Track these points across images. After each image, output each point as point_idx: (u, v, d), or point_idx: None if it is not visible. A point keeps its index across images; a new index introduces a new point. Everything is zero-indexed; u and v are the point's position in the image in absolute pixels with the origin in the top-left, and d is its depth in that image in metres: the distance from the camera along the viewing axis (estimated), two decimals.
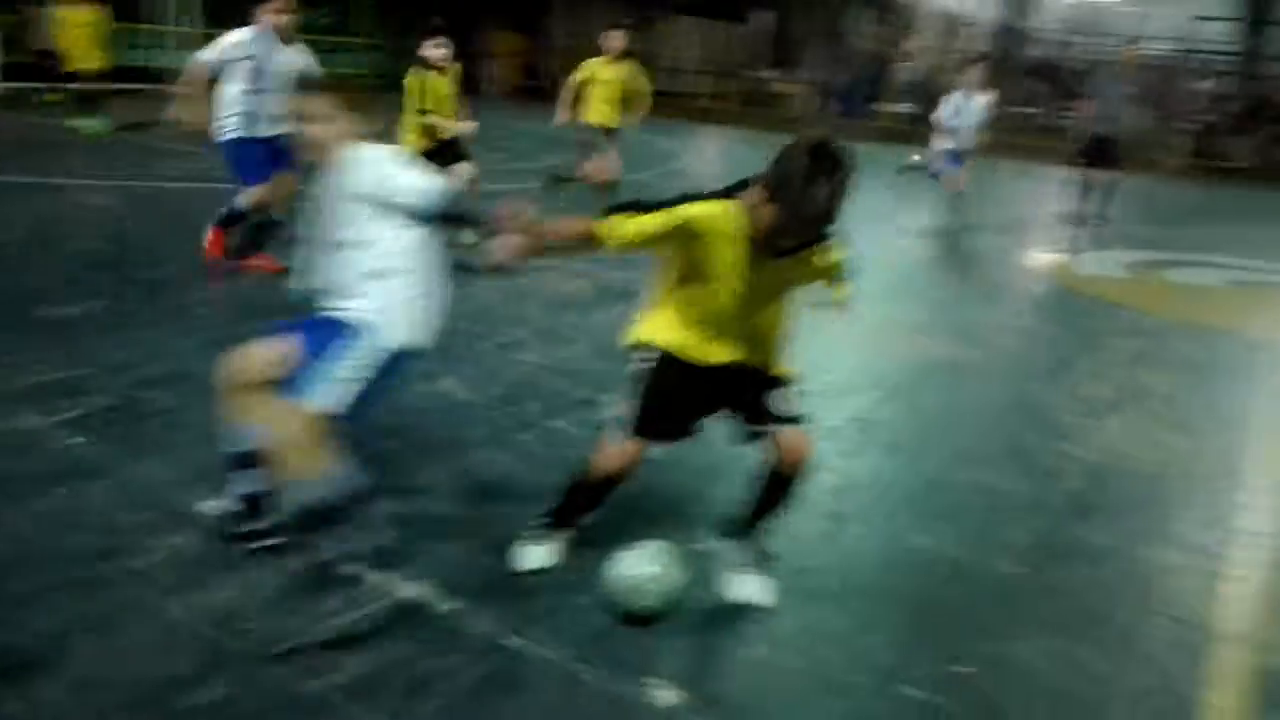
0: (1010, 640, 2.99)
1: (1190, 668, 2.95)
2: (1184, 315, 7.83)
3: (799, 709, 2.60)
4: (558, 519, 3.08)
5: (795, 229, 2.55)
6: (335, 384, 2.81)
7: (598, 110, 8.38)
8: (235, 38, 5.70)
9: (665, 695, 2.57)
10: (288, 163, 5.71)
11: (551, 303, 6.27)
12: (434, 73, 6.96)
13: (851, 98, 24.38)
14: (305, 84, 3.25)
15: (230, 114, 5.73)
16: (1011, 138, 23.91)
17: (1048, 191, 13.38)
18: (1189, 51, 23.37)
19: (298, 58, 5.77)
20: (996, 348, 6.26)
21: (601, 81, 8.32)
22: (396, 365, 2.96)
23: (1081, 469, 4.40)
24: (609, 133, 8.49)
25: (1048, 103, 24.73)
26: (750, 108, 24.92)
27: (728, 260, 2.67)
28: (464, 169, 7.09)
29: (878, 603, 3.14)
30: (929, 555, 3.48)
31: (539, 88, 22.87)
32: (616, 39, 8.32)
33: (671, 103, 31.05)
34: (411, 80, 6.97)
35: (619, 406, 2.88)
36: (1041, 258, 9.54)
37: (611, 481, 2.89)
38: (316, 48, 6.13)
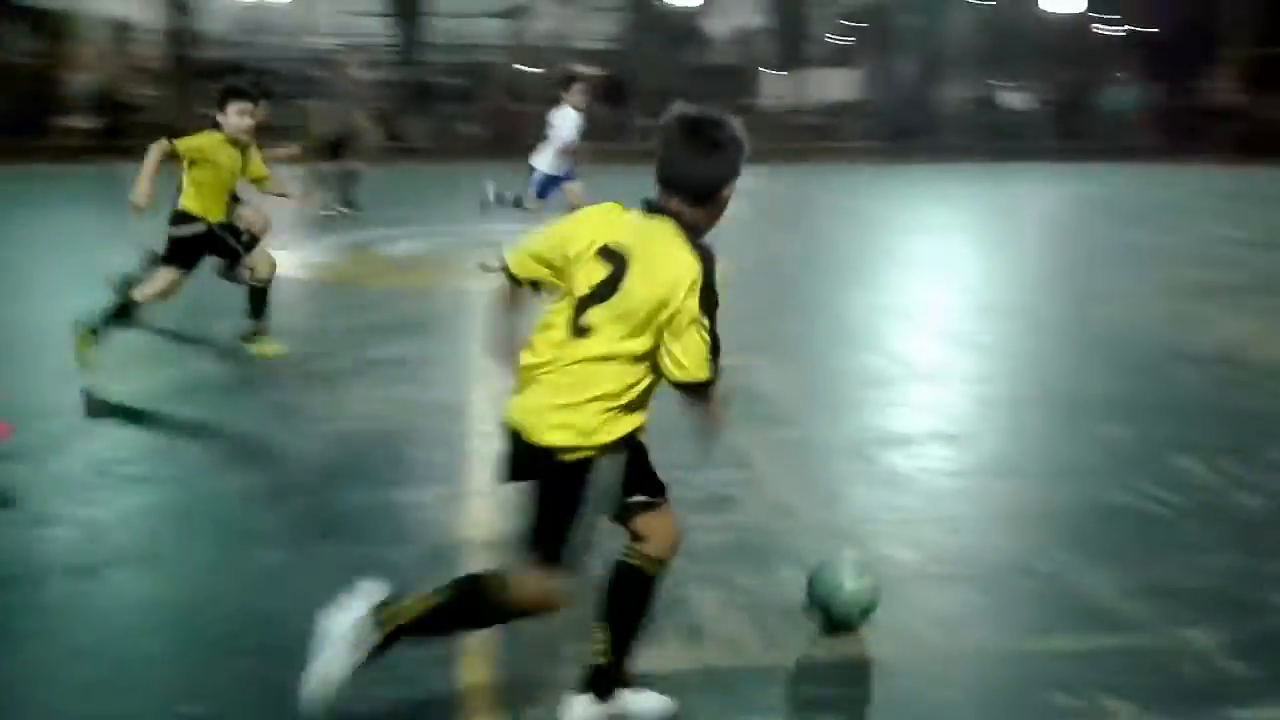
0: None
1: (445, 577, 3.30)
2: (396, 282, 8.69)
3: None
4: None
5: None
6: None
7: None
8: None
9: None
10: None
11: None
12: None
13: (14, 118, 21.92)
14: None
15: None
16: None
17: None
18: (355, 45, 25.20)
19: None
20: (244, 359, 6.11)
21: None
22: None
23: (329, 440, 4.65)
24: None
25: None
26: None
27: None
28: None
29: None
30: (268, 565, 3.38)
31: None
32: None
33: None
34: None
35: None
36: (283, 256, 9.57)
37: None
38: None
